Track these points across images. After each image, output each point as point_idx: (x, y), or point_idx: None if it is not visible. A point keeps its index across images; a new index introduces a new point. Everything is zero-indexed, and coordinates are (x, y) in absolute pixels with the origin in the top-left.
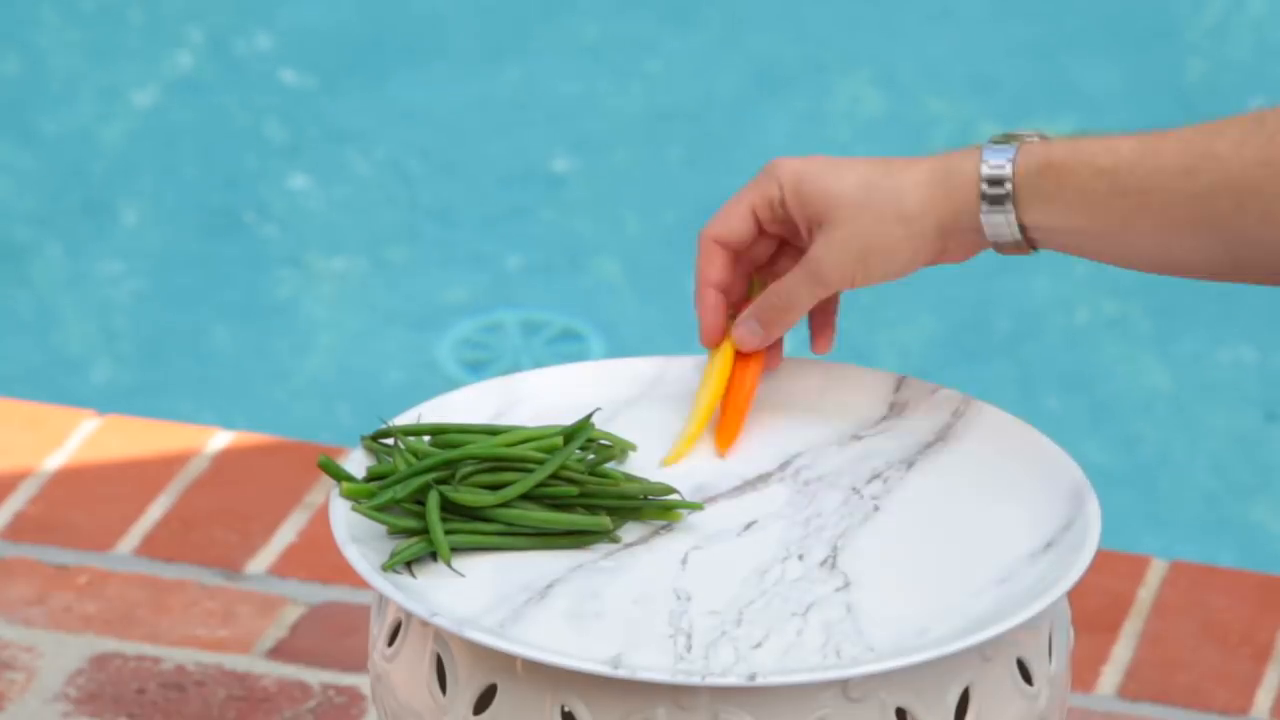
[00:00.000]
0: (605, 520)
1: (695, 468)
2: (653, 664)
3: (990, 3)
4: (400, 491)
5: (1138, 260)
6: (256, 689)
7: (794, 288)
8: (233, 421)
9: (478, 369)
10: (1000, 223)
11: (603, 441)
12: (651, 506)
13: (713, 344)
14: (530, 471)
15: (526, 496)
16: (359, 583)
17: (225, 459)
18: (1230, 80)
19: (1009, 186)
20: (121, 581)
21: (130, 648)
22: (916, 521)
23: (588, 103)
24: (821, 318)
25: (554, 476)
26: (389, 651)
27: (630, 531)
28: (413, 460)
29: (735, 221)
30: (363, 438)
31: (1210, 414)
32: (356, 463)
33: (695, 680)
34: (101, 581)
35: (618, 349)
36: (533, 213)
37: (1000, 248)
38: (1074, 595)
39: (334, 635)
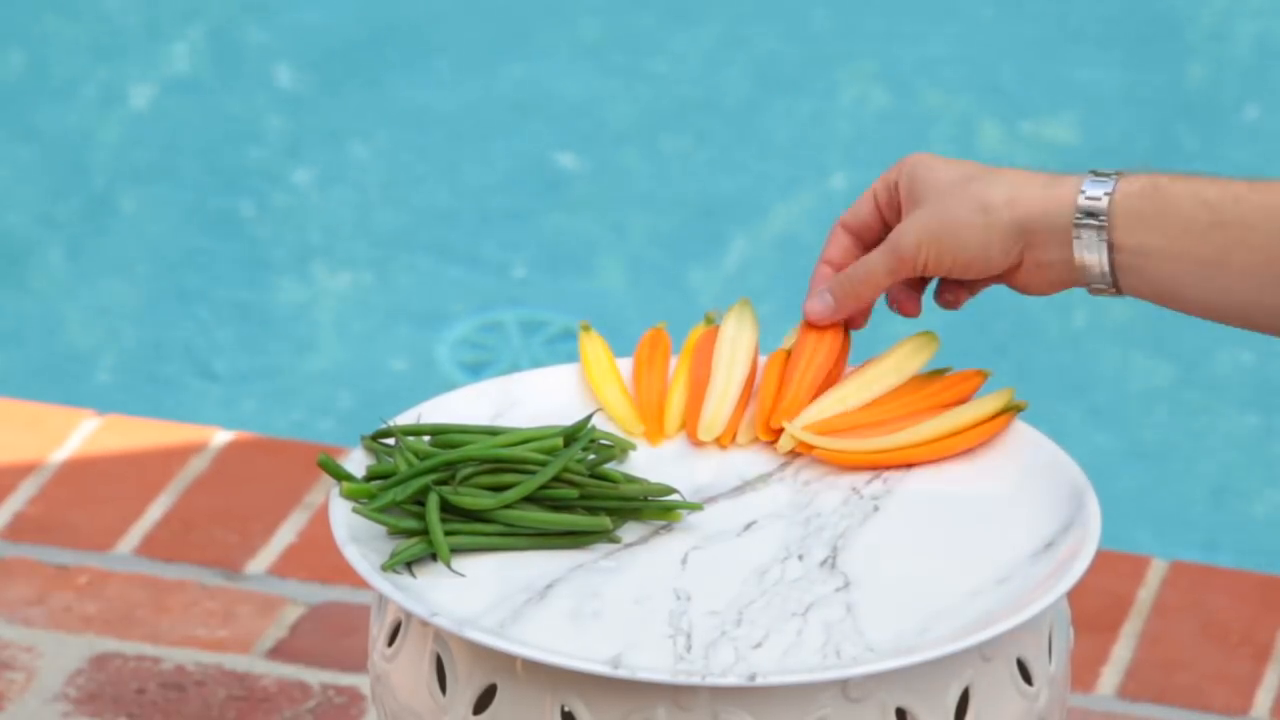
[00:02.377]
0: (605, 521)
1: (695, 467)
2: (653, 664)
3: (992, 2)
4: (400, 493)
5: (1226, 305)
6: (256, 689)
7: (871, 259)
8: (233, 421)
9: (477, 369)
10: (1091, 238)
11: (603, 441)
12: (651, 507)
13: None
14: (531, 473)
15: (527, 498)
16: (359, 583)
17: (225, 459)
18: (1231, 80)
19: (1105, 202)
20: (121, 581)
21: (130, 648)
22: (916, 522)
23: (588, 102)
24: (905, 292)
25: (554, 478)
26: (389, 651)
27: (630, 531)
28: (413, 461)
29: (859, 205)
30: (363, 437)
31: (1211, 414)
32: (356, 463)
33: (695, 680)
34: (101, 581)
35: (618, 349)
36: (533, 213)
37: (1087, 275)
38: (1074, 595)
39: (334, 635)
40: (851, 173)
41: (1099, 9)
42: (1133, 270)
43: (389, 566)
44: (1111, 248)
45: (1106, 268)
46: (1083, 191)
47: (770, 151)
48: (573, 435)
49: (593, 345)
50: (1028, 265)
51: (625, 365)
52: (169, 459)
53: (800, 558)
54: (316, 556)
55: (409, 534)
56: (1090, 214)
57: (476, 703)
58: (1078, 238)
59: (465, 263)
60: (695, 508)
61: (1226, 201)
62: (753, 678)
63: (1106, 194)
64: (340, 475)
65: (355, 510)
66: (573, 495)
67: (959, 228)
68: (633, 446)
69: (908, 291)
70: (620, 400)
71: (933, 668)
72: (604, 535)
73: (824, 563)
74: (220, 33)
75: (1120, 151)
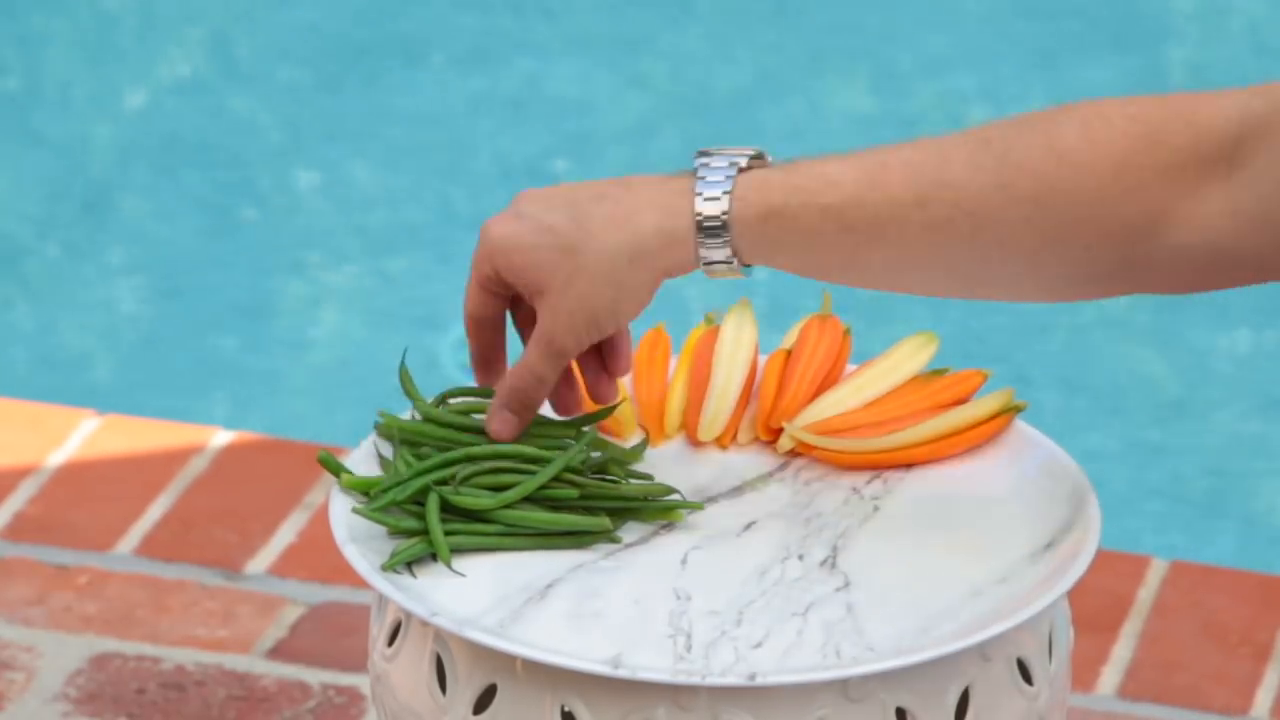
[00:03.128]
0: (605, 521)
1: (695, 468)
2: (653, 664)
3: (991, 1)
4: (400, 494)
5: (866, 285)
6: (256, 689)
7: (534, 365)
8: (233, 421)
9: None
10: (721, 266)
11: (615, 443)
12: (652, 507)
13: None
14: (531, 473)
15: (526, 498)
16: (359, 583)
17: (225, 459)
18: (1230, 80)
19: (729, 235)
20: (121, 581)
21: (130, 648)
22: (916, 521)
23: (587, 101)
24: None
25: (554, 479)
26: (389, 651)
27: (630, 531)
28: (411, 463)
29: (474, 302)
30: (376, 425)
31: (1211, 413)
32: (356, 461)
33: (695, 680)
34: (101, 581)
35: None
36: None
37: (715, 271)
38: (1074, 595)
39: (334, 635)
40: None
41: (1098, 9)
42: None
43: (389, 566)
44: (745, 265)
45: (736, 264)
46: (702, 230)
47: (769, 150)
48: (577, 432)
49: None
50: (671, 276)
51: None
52: (169, 459)
53: (800, 558)
54: (316, 556)
55: (409, 534)
56: (714, 245)
57: (476, 703)
58: (709, 269)
59: (465, 263)
60: (696, 507)
61: (849, 205)
62: (753, 678)
63: (726, 226)
64: (339, 470)
65: (355, 510)
66: (573, 495)
67: (606, 306)
68: (638, 457)
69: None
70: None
71: (933, 668)
72: (604, 535)
73: (824, 563)
74: (219, 32)
75: None
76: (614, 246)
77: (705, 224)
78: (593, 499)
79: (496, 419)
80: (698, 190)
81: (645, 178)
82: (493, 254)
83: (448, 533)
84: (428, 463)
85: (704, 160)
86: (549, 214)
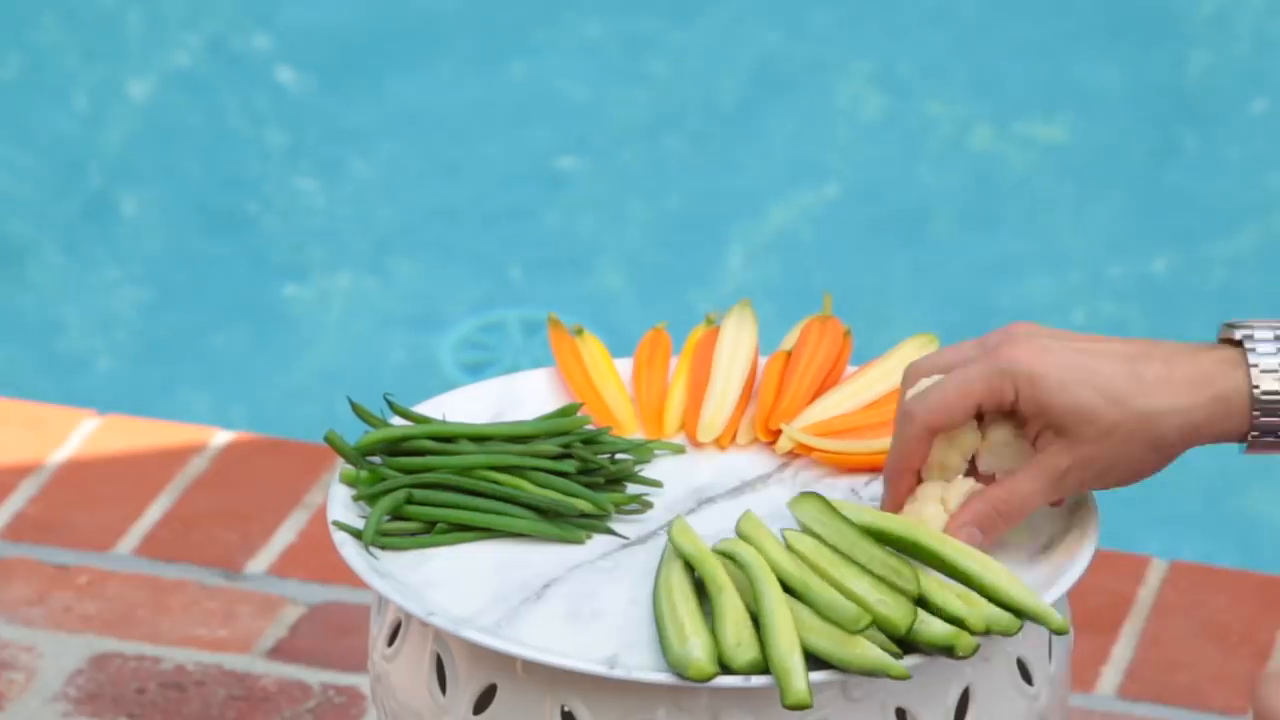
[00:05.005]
0: (585, 504)
1: (695, 468)
2: (651, 664)
3: (991, 2)
4: (390, 503)
5: None
6: (256, 689)
7: (1028, 493)
8: (233, 421)
9: (477, 369)
10: (1270, 439)
11: (632, 439)
12: (638, 452)
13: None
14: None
15: (516, 473)
16: (359, 583)
17: (225, 459)
18: (1230, 79)
19: None
20: (121, 581)
21: (130, 648)
22: None
23: (589, 102)
24: None
25: (549, 439)
26: (389, 651)
27: (630, 530)
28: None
29: (958, 415)
30: (365, 436)
31: None
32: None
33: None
34: (101, 581)
35: (617, 349)
36: (533, 213)
37: (1255, 448)
38: (1074, 595)
39: (334, 635)
40: (851, 172)
41: (1098, 10)
42: None
43: (368, 540)
44: None
45: None
46: (1256, 387)
47: (770, 152)
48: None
49: (589, 346)
50: None
51: (625, 365)
52: (169, 459)
53: None
54: (316, 556)
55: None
56: (1270, 408)
57: (476, 703)
58: (1262, 421)
59: (465, 263)
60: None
61: None
62: (752, 678)
63: None
64: (347, 453)
65: (353, 534)
66: (551, 451)
67: (1130, 466)
68: (647, 453)
69: None
70: (619, 400)
71: (933, 667)
72: (581, 518)
73: None
74: (220, 32)
75: (1118, 151)
76: (1167, 408)
77: (1264, 398)
78: (589, 470)
79: (963, 534)
80: (1252, 362)
81: (1176, 344)
82: (1020, 379)
83: (433, 520)
84: (419, 476)
85: (1245, 332)
86: (1097, 359)
